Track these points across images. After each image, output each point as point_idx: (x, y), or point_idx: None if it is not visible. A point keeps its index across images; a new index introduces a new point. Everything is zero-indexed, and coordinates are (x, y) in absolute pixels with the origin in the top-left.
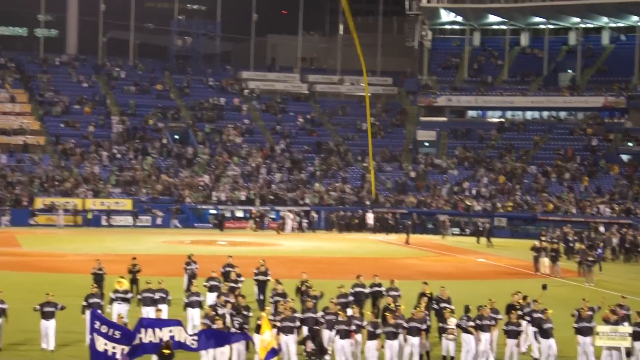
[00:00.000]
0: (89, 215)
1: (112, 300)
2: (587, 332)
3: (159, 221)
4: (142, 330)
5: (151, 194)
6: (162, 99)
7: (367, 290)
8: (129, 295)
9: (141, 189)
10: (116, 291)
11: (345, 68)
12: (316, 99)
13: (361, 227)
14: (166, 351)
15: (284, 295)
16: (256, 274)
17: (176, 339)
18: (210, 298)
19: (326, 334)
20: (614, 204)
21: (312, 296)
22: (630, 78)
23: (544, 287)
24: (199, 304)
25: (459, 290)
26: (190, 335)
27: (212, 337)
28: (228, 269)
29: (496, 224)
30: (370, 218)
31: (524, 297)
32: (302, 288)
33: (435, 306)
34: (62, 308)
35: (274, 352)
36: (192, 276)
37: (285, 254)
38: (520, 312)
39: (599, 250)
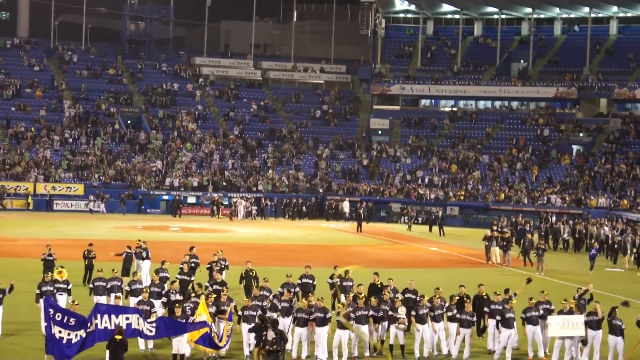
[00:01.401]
0: (29, 200)
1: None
2: (536, 321)
3: (91, 206)
4: (98, 315)
5: (103, 179)
6: (115, 84)
7: (314, 282)
8: (70, 286)
9: (93, 174)
10: (56, 281)
11: (299, 55)
12: (270, 86)
13: (337, 216)
14: (118, 337)
15: (222, 284)
16: (209, 264)
17: (133, 326)
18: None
19: (281, 322)
20: (565, 194)
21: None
22: (582, 69)
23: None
24: (140, 292)
25: (410, 279)
26: (148, 323)
27: (171, 325)
28: (193, 260)
29: (448, 212)
30: (346, 206)
31: (506, 290)
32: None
33: (400, 296)
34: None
35: (209, 339)
36: (128, 261)
37: (237, 241)
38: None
39: (593, 251)
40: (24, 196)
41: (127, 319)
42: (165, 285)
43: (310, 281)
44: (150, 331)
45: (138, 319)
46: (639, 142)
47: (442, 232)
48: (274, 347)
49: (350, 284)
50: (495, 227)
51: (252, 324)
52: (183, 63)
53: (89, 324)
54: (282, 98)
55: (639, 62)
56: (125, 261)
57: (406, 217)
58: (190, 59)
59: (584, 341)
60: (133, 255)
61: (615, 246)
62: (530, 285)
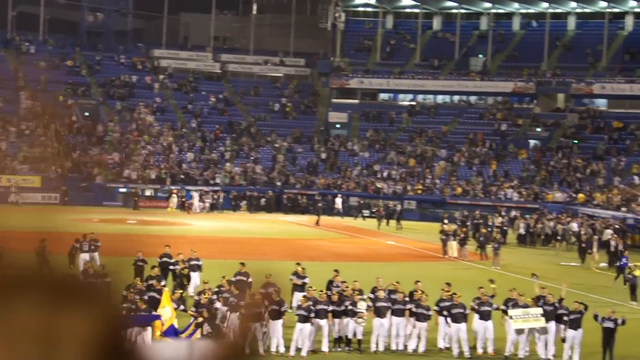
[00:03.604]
0: None
1: None
2: (487, 316)
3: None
4: None
5: (60, 172)
6: (73, 75)
7: (249, 279)
8: None
9: (50, 166)
10: None
11: (258, 48)
12: (228, 79)
13: (295, 209)
14: None
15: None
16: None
17: None
18: None
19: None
20: (522, 189)
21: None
22: (540, 64)
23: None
24: None
25: (367, 273)
26: None
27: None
28: (165, 259)
29: (406, 206)
30: (339, 203)
31: (479, 288)
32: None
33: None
34: None
35: (174, 330)
36: (72, 256)
37: (195, 234)
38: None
39: (624, 260)
40: None
41: None
42: None
43: (245, 278)
44: None
45: None
46: (596, 137)
47: (399, 226)
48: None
49: (307, 280)
50: (446, 221)
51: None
52: (142, 55)
53: None
54: (241, 91)
55: (596, 58)
56: (70, 255)
57: (374, 214)
58: (149, 51)
59: (564, 339)
60: (76, 248)
61: (583, 245)
62: (484, 279)
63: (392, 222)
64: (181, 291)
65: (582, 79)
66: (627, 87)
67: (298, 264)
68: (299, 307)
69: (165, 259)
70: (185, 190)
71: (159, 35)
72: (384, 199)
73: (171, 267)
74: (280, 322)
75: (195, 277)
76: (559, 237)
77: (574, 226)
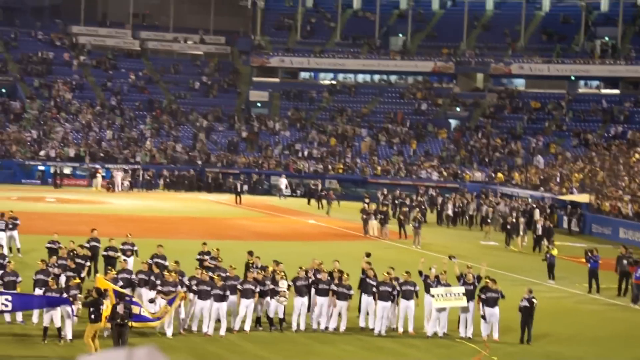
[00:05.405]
0: None
1: None
2: (409, 295)
3: None
4: None
5: None
6: None
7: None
8: None
9: None
10: None
11: (178, 25)
12: (148, 56)
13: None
14: None
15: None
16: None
17: None
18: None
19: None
20: (442, 168)
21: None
22: (459, 44)
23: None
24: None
25: (289, 251)
26: (3, 296)
27: (28, 299)
28: (93, 243)
29: (327, 185)
30: (283, 183)
31: (368, 254)
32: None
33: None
34: None
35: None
36: None
37: (115, 213)
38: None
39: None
40: None
41: None
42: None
43: (163, 261)
44: (6, 305)
45: None
46: (514, 117)
47: (320, 205)
48: (125, 321)
49: (215, 262)
50: (367, 201)
51: (89, 298)
52: (59, 32)
53: None
54: (161, 69)
55: (514, 38)
56: None
57: (324, 199)
58: (67, 27)
59: (484, 316)
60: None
61: (508, 227)
62: (405, 258)
63: (313, 201)
64: (114, 271)
65: (500, 59)
66: (545, 68)
67: (204, 243)
68: (201, 282)
69: (94, 244)
70: (105, 170)
71: (77, 11)
72: (305, 178)
73: (104, 253)
74: (208, 302)
75: (130, 262)
76: (489, 220)
77: (502, 207)
